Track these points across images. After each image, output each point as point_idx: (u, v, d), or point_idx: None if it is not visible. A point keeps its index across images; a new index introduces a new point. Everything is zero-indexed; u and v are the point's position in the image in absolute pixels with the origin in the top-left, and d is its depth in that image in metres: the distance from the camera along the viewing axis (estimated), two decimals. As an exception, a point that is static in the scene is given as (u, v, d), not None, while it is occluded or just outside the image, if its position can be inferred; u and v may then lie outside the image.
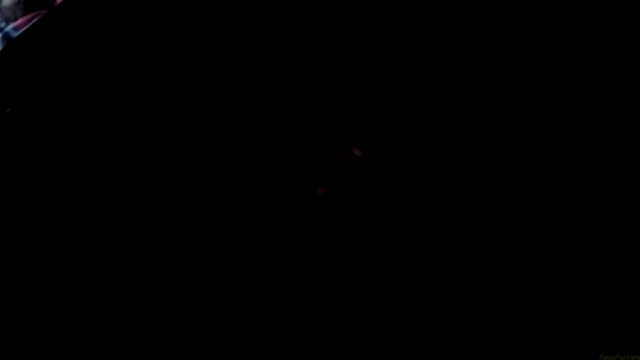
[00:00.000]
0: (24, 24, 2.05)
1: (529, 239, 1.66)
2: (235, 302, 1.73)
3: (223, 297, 1.74)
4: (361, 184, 1.77)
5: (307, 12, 1.95)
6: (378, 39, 1.89)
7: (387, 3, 1.89)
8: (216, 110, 1.96)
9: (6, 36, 2.01)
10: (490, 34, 1.79)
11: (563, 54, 1.67)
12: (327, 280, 1.71)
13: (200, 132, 1.94)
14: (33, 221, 1.82)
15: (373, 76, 1.88)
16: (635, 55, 1.60)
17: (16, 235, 1.80)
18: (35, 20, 2.09)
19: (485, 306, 1.62)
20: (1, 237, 1.79)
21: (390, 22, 1.90)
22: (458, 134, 1.76)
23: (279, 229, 1.77)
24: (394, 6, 1.89)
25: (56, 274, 1.76)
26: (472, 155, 1.75)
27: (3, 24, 1.99)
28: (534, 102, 1.72)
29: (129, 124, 1.98)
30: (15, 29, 2.03)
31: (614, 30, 1.62)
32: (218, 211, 1.83)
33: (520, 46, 1.76)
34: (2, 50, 1.99)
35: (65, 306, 1.72)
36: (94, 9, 2.22)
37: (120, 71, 2.02)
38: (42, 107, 2.03)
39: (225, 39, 2.02)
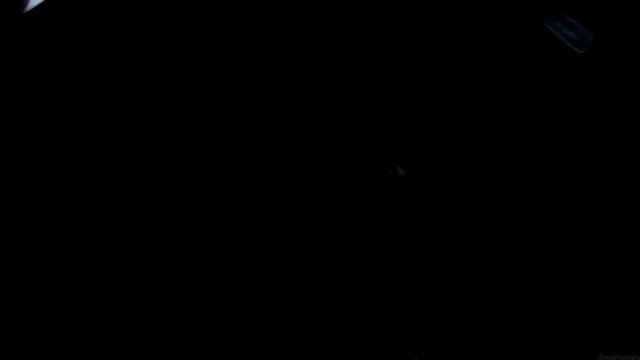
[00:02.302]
0: None
1: (529, 239, 1.69)
2: (245, 304, 1.73)
3: (231, 300, 1.73)
4: (401, 200, 1.81)
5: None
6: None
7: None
8: (260, 119, 1.94)
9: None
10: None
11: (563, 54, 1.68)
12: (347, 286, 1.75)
13: (235, 143, 1.92)
14: (33, 220, 1.84)
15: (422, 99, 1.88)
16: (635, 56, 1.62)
17: (16, 235, 1.81)
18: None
19: (485, 306, 1.65)
20: (1, 237, 1.79)
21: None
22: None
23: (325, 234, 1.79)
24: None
25: (56, 274, 1.78)
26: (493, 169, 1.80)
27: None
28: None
29: (132, 123, 1.94)
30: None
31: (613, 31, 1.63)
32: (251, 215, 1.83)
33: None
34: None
35: (65, 306, 1.73)
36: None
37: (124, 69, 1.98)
38: (73, 62, 1.96)
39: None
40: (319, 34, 1.95)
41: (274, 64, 1.96)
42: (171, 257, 1.80)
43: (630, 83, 1.60)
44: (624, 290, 1.58)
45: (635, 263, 1.58)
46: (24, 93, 1.95)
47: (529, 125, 1.75)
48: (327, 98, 1.90)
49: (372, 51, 1.91)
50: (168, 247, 1.81)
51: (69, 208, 1.85)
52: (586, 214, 1.65)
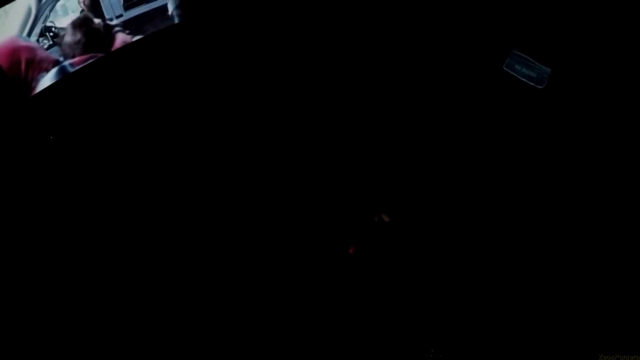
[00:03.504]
0: (81, 62, 2.17)
1: (529, 240, 1.73)
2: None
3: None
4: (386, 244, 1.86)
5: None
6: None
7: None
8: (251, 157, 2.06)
9: (62, 69, 2.12)
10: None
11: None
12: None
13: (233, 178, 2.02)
14: (34, 221, 1.85)
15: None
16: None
17: (17, 235, 1.81)
18: (91, 60, 2.22)
19: (486, 306, 1.67)
20: (1, 237, 1.80)
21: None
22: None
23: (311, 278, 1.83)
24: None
25: (57, 274, 1.78)
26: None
27: (62, 59, 2.10)
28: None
29: (132, 122, 2.06)
30: (72, 65, 2.14)
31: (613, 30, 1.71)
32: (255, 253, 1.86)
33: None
34: (57, 81, 2.08)
35: (65, 306, 1.72)
36: (147, 58, 2.38)
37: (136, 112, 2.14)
38: (80, 139, 2.10)
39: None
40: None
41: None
42: (171, 257, 1.80)
43: (589, 107, 1.68)
44: (624, 290, 1.59)
45: (635, 263, 1.61)
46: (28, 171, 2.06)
47: (505, 164, 1.80)
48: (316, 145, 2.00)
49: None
50: (168, 248, 1.82)
51: (69, 208, 1.87)
52: (586, 215, 1.70)
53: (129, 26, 2.28)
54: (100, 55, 2.24)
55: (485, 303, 1.66)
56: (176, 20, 2.34)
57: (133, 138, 2.10)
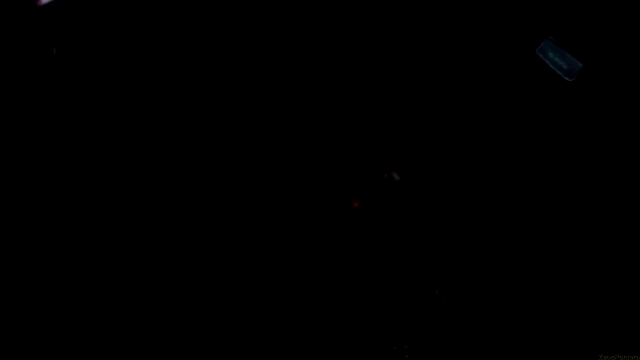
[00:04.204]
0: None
1: (529, 240, 1.71)
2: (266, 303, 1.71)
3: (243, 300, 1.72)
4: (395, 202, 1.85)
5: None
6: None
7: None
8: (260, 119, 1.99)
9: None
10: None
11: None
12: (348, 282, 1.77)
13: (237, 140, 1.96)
14: (34, 220, 1.82)
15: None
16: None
17: (17, 235, 1.79)
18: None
19: (486, 306, 1.66)
20: (2, 237, 1.78)
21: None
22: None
23: (314, 234, 1.82)
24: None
25: (57, 274, 1.76)
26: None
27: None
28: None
29: (132, 122, 1.98)
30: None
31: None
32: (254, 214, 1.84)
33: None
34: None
35: (65, 306, 1.71)
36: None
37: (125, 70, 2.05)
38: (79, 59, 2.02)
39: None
40: (315, 40, 2.01)
41: (272, 67, 2.01)
42: (171, 257, 1.79)
43: (615, 106, 1.62)
44: (624, 290, 1.59)
45: (635, 263, 1.61)
46: (30, 86, 2.00)
47: (521, 146, 1.77)
48: (325, 104, 1.94)
49: (371, 63, 1.97)
50: (168, 248, 1.81)
51: (69, 208, 1.85)
52: (586, 215, 1.69)
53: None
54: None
55: (484, 303, 1.67)
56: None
57: (137, 61, 2.02)
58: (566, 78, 1.64)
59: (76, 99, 1.98)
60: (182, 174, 1.89)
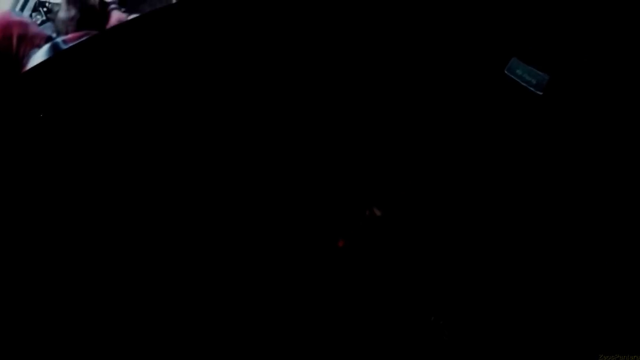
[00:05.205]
0: (74, 39, 2.12)
1: (529, 240, 1.71)
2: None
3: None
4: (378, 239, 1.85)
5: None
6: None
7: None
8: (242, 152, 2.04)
9: (55, 46, 2.06)
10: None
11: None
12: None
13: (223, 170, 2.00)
14: (34, 221, 1.82)
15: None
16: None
17: (17, 235, 1.78)
18: (84, 38, 2.16)
19: (486, 306, 1.66)
20: (2, 237, 1.77)
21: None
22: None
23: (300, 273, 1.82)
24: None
25: (57, 274, 1.75)
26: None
27: (55, 35, 2.04)
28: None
29: (132, 122, 2.02)
30: (65, 42, 2.09)
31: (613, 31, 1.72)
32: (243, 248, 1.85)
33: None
34: (50, 58, 2.03)
35: (65, 306, 1.70)
36: (142, 38, 2.33)
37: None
38: (71, 118, 2.06)
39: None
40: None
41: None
42: (171, 257, 1.78)
43: (586, 113, 1.70)
44: (624, 290, 1.58)
45: (635, 263, 1.59)
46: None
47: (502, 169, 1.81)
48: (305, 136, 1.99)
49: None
50: (168, 248, 1.80)
51: (69, 208, 1.84)
52: (586, 215, 1.69)
53: (125, 3, 2.22)
54: (94, 32, 2.19)
55: (482, 305, 1.67)
56: (174, 0, 2.29)
57: (123, 118, 2.07)
58: (537, 92, 1.73)
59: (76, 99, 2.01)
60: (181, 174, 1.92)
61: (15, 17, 1.88)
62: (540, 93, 1.71)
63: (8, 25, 1.86)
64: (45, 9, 2.04)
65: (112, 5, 2.14)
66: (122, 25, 2.29)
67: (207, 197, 1.92)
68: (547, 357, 1.56)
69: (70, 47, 2.15)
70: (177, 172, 1.96)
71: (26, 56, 1.96)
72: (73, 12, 2.05)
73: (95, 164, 1.95)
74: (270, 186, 1.93)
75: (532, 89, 1.73)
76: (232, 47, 2.14)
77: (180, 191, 1.93)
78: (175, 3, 2.31)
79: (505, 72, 1.78)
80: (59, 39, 2.06)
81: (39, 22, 2.02)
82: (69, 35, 2.09)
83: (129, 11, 2.20)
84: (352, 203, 1.88)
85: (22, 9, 1.96)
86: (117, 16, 2.23)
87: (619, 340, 1.52)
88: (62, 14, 2.06)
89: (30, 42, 1.96)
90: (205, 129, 2.03)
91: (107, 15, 2.15)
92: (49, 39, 2.02)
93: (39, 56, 2.02)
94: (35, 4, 2.00)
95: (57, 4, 2.00)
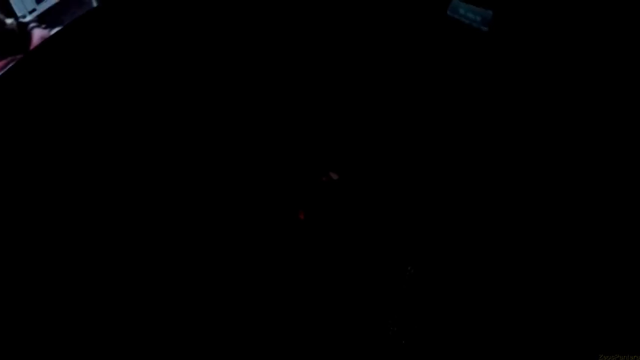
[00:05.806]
0: (1, 67, 1.98)
1: (529, 240, 1.71)
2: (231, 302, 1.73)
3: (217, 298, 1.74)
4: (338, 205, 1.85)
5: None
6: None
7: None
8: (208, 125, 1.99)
9: (-19, 80, 1.92)
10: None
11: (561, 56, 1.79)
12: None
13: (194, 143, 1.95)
14: (34, 221, 1.80)
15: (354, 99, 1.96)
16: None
17: (17, 235, 1.77)
18: (10, 65, 2.02)
19: (486, 306, 1.64)
20: (2, 237, 1.76)
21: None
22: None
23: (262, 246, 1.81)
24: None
25: (57, 274, 1.74)
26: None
27: (-22, 68, 1.90)
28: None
29: (132, 123, 1.98)
30: (-9, 73, 1.94)
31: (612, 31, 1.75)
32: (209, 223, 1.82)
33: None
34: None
35: (65, 306, 1.69)
36: (69, 51, 2.21)
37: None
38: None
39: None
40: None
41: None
42: (171, 257, 1.78)
43: (532, 48, 1.73)
44: (624, 290, 1.58)
45: (635, 263, 1.59)
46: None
47: (456, 114, 1.83)
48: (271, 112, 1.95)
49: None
50: (168, 248, 1.79)
51: (69, 208, 1.82)
52: (586, 215, 1.69)
53: (44, 19, 2.08)
54: (19, 57, 2.05)
55: (479, 301, 1.67)
56: (94, 4, 2.16)
57: (63, 141, 1.99)
58: (482, 28, 1.75)
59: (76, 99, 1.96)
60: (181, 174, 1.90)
61: None
62: (486, 29, 1.74)
63: None
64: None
65: (32, 24, 1.99)
66: (46, 42, 2.15)
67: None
68: (547, 357, 1.55)
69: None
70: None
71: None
72: (-9, 39, 1.91)
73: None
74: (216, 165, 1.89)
75: (477, 26, 1.75)
76: (163, 47, 2.07)
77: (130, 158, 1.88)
78: (95, 7, 2.18)
79: (448, 13, 1.79)
80: (-16, 71, 1.92)
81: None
82: (-6, 65, 1.95)
83: (50, 26, 2.06)
84: (306, 171, 1.88)
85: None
86: (39, 34, 2.09)
87: (619, 340, 1.52)
88: (-20, 44, 1.91)
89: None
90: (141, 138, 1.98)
91: (28, 36, 2.01)
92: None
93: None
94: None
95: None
